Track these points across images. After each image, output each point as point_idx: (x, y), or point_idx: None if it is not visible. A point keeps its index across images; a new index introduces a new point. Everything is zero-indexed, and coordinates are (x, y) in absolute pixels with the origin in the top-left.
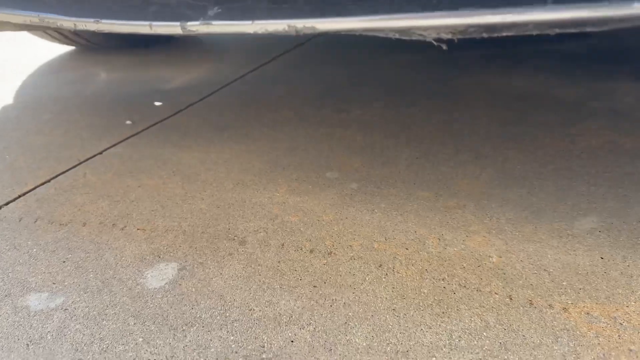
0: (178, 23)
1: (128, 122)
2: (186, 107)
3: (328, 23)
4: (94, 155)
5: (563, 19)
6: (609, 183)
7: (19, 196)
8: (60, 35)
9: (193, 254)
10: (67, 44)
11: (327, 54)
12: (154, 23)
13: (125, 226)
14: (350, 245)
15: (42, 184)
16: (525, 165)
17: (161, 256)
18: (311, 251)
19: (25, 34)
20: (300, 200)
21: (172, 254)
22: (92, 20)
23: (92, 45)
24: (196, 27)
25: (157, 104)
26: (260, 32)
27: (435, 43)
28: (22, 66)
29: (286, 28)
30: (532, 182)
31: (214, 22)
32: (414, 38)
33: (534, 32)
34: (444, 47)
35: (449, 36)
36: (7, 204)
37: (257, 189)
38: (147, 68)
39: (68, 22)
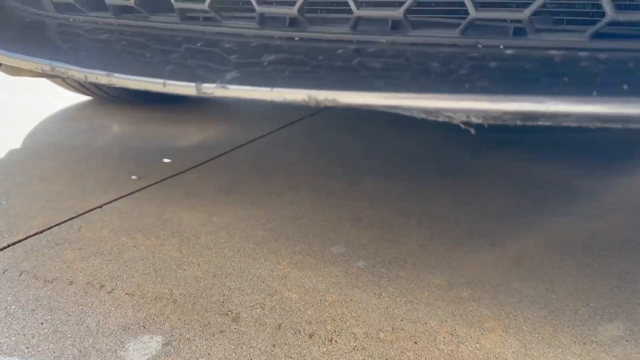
0: (193, 84)
1: (134, 177)
2: (194, 167)
3: (350, 96)
4: (93, 209)
5: (609, 113)
6: (633, 286)
7: (8, 245)
8: (78, 84)
9: (181, 327)
10: (86, 93)
11: (343, 123)
12: (168, 82)
13: (114, 289)
14: (354, 333)
15: (35, 234)
16: (544, 258)
17: (147, 327)
18: (310, 336)
19: (45, 82)
20: (303, 276)
21: (158, 326)
22: (104, 73)
23: (110, 97)
24: (212, 89)
25: (166, 160)
26: (278, 100)
27: (462, 126)
28: (38, 112)
29: (306, 98)
30: (552, 278)
31: (231, 87)
32: (440, 119)
33: (574, 124)
34: (472, 131)
35: (480, 121)
36: None
37: (258, 259)
38: (162, 124)
39: (79, 73)
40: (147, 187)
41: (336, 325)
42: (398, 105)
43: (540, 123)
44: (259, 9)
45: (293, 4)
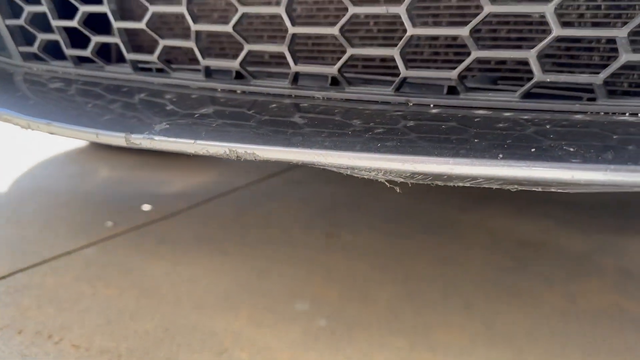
0: (123, 135)
1: (109, 223)
2: (172, 214)
3: (268, 152)
4: (61, 255)
5: (514, 176)
6: (606, 356)
7: None
8: None
9: None
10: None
11: (332, 173)
12: (100, 132)
13: (61, 340)
14: None
15: None
16: (517, 323)
17: None
18: None
19: None
20: (258, 333)
21: None
22: (44, 122)
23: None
24: (140, 140)
25: (146, 207)
26: (201, 152)
27: (388, 184)
28: (31, 156)
29: (227, 152)
30: (522, 345)
31: (157, 138)
32: (365, 176)
33: (485, 186)
34: (397, 189)
35: (399, 180)
36: None
37: (215, 314)
38: (151, 169)
39: (23, 121)
40: (119, 234)
41: None
42: (311, 161)
43: (455, 184)
44: (204, 62)
45: (236, 57)
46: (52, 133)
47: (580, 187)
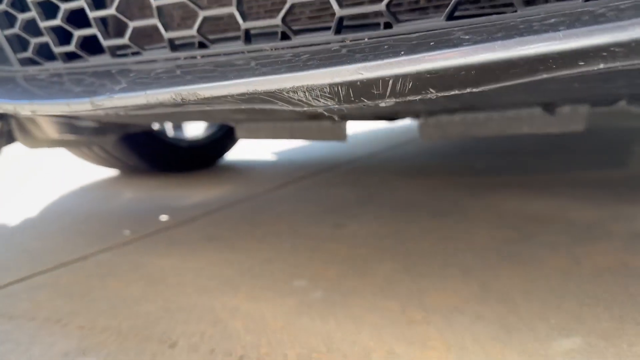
0: (88, 99)
1: (126, 232)
2: (187, 221)
3: (207, 89)
4: (77, 259)
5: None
6: (605, 303)
7: None
8: (97, 156)
9: (117, 353)
10: (110, 166)
11: (345, 178)
12: (71, 101)
13: (68, 324)
14: (286, 354)
15: (15, 282)
16: (515, 282)
17: (86, 353)
18: (240, 357)
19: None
20: (254, 307)
21: (97, 352)
22: (26, 102)
23: (130, 168)
24: (102, 101)
25: (163, 218)
26: (152, 102)
27: (326, 114)
28: (62, 185)
29: (173, 96)
30: (516, 301)
31: (115, 96)
32: (298, 108)
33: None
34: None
35: (330, 102)
36: None
37: (215, 295)
38: (172, 189)
39: (9, 105)
40: (134, 240)
41: (270, 348)
42: (245, 91)
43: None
44: (167, 34)
45: (191, 27)
46: (33, 112)
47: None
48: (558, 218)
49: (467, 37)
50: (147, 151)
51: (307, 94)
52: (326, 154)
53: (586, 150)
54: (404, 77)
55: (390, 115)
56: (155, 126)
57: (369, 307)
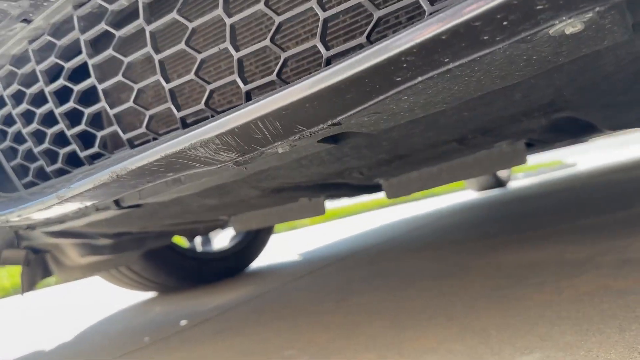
0: (54, 194)
1: (146, 339)
2: (202, 322)
3: (132, 163)
4: None
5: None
6: (575, 322)
7: None
8: (128, 278)
9: None
10: (143, 289)
11: (361, 261)
12: (43, 199)
13: None
14: None
15: None
16: (494, 320)
17: None
18: None
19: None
20: None
21: None
22: (14, 209)
23: (162, 287)
24: (63, 193)
25: (182, 322)
26: (97, 184)
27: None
28: (99, 311)
29: (110, 175)
30: (490, 334)
31: (72, 186)
32: (213, 167)
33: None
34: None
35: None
36: None
37: None
38: (198, 297)
39: (2, 217)
40: (151, 344)
41: None
42: (158, 157)
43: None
44: (178, 114)
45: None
46: (20, 216)
47: None
48: (552, 261)
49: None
50: (174, 268)
51: (206, 149)
52: (347, 247)
53: (592, 200)
54: (267, 117)
55: (355, 185)
56: (186, 242)
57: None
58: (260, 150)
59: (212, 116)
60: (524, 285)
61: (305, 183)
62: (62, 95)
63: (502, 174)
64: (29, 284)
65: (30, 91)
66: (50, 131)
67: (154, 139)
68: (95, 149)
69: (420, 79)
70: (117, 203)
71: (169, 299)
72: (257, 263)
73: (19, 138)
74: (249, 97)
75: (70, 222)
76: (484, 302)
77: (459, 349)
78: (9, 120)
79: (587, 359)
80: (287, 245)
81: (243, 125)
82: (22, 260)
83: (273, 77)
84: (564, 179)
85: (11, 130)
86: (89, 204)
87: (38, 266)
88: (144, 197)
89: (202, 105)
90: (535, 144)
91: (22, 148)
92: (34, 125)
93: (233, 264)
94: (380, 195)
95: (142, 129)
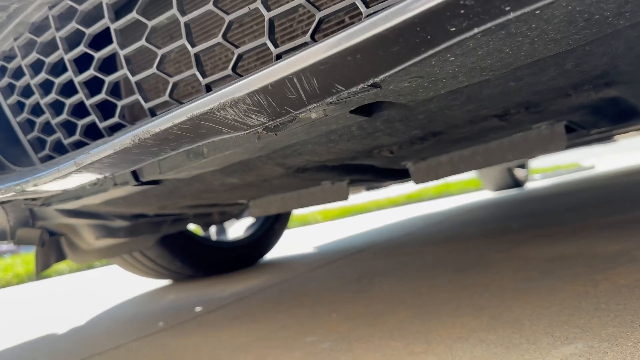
0: (72, 161)
1: (160, 323)
2: (217, 308)
3: (156, 125)
4: (109, 349)
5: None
6: (616, 313)
7: None
8: (144, 265)
9: None
10: (156, 277)
11: (378, 254)
12: (60, 166)
13: None
14: None
15: None
16: (526, 310)
17: None
18: None
19: (128, 274)
20: None
21: None
22: (29, 179)
23: (176, 276)
24: (82, 159)
25: (197, 309)
26: (118, 149)
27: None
28: (113, 298)
29: (132, 139)
30: (524, 324)
31: (91, 152)
32: (240, 132)
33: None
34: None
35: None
36: None
37: (227, 352)
38: (213, 285)
39: (17, 186)
40: (166, 329)
41: None
42: (183, 119)
43: None
44: (146, 105)
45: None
46: (35, 185)
47: None
48: (582, 255)
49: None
50: (189, 256)
51: (235, 109)
52: (362, 241)
53: (616, 199)
54: (304, 72)
55: (381, 169)
56: (201, 232)
57: (372, 349)
58: (293, 114)
59: None
60: (554, 277)
61: (331, 162)
62: (82, 64)
63: (519, 174)
64: (43, 265)
65: (50, 60)
66: (68, 101)
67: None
68: (115, 119)
69: (476, 30)
70: (136, 177)
71: (183, 287)
72: (270, 255)
73: (36, 110)
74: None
75: (87, 198)
76: (513, 293)
77: (491, 338)
78: (26, 92)
79: (637, 349)
80: (300, 240)
81: (278, 82)
82: (37, 240)
83: (307, 38)
84: (583, 180)
85: (28, 102)
86: (107, 173)
87: (52, 249)
88: (164, 171)
89: (229, 71)
90: (574, 131)
91: (39, 120)
92: (52, 96)
93: (247, 255)
94: (398, 189)
95: (165, 97)
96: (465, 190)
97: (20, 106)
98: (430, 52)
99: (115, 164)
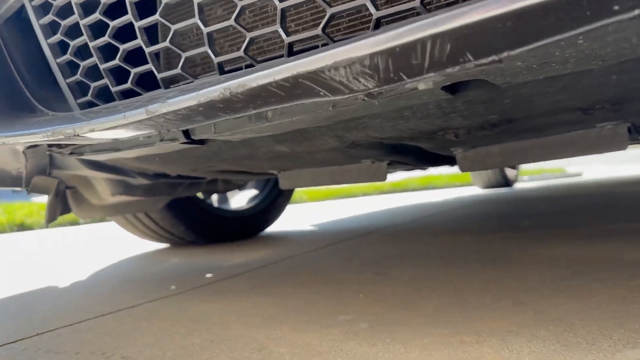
0: (143, 109)
1: (172, 287)
2: (230, 277)
3: (254, 80)
4: (125, 308)
5: None
6: None
7: (37, 334)
8: (146, 227)
9: None
10: (160, 240)
11: (383, 239)
12: (127, 113)
13: (112, 355)
14: None
15: (63, 327)
16: (571, 309)
17: None
18: None
19: (129, 237)
20: (300, 337)
21: None
22: (84, 123)
23: (178, 240)
24: (156, 108)
25: (208, 275)
26: (203, 101)
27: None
28: (111, 257)
29: (222, 91)
30: (574, 323)
31: (169, 101)
32: (338, 97)
33: None
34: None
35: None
36: (22, 339)
37: (260, 327)
38: (216, 254)
39: (68, 129)
40: (180, 293)
41: None
42: (287, 76)
43: None
44: (216, 59)
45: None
46: (91, 130)
47: None
48: (611, 259)
49: None
50: (193, 221)
51: (347, 70)
52: (364, 224)
53: (625, 207)
54: (441, 36)
55: (427, 153)
56: (202, 197)
57: (417, 333)
58: (405, 82)
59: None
60: (590, 279)
61: (388, 140)
62: (143, 9)
63: (510, 173)
64: (52, 216)
65: (105, 0)
66: (123, 47)
67: (247, 66)
68: (176, 71)
69: (637, 12)
70: (187, 135)
71: (183, 252)
72: (270, 229)
73: (82, 52)
74: (378, 25)
75: (125, 151)
76: (550, 291)
77: (544, 335)
78: (73, 31)
79: None
80: (292, 217)
81: (408, 44)
82: (52, 190)
83: (416, 2)
84: (575, 186)
85: (74, 42)
86: (174, 127)
87: (59, 201)
88: (220, 131)
89: (318, 31)
90: (633, 132)
91: (84, 64)
92: (105, 39)
93: (249, 226)
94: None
95: (240, 53)
96: (451, 185)
97: (63, 46)
98: (580, 30)
99: (188, 118)
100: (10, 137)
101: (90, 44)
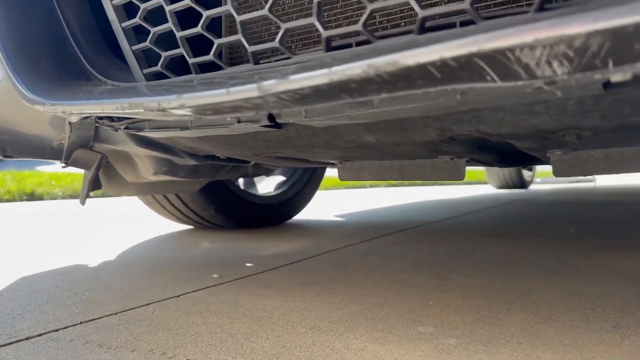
0: (255, 85)
1: (215, 275)
2: (274, 268)
3: (413, 56)
4: (170, 298)
5: None
6: None
7: (81, 322)
8: (174, 208)
9: None
10: (185, 222)
11: (426, 237)
12: (231, 89)
13: (175, 355)
14: None
15: (108, 315)
16: None
17: None
18: None
19: (152, 216)
20: (383, 350)
21: None
22: (174, 96)
23: (207, 224)
24: (272, 86)
25: (249, 264)
26: (337, 79)
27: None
28: (138, 237)
29: (365, 69)
30: None
31: (292, 77)
32: (510, 83)
33: None
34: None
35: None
36: (65, 327)
37: (332, 334)
38: (249, 242)
39: (153, 103)
40: (226, 282)
41: None
42: (464, 52)
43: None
44: (325, 33)
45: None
46: (182, 106)
47: None
48: None
49: None
50: (224, 205)
51: (544, 51)
52: (390, 219)
53: None
54: None
55: (518, 153)
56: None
57: (521, 357)
58: (607, 70)
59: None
60: None
61: (495, 137)
62: None
63: (526, 174)
64: (88, 192)
65: None
66: (207, 13)
67: (358, 43)
68: (273, 44)
69: None
70: (271, 118)
71: (211, 236)
72: (295, 218)
73: (154, 17)
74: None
75: (194, 130)
76: None
77: None
78: None
79: None
80: (310, 204)
81: None
82: (94, 165)
83: None
84: (595, 192)
85: (145, 5)
86: (280, 108)
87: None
88: (311, 116)
89: (466, 4)
90: None
91: (154, 30)
92: (187, 2)
93: (277, 213)
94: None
95: (358, 27)
96: (464, 182)
97: (130, 9)
98: None
99: (305, 99)
100: (74, 105)
101: (167, 8)
